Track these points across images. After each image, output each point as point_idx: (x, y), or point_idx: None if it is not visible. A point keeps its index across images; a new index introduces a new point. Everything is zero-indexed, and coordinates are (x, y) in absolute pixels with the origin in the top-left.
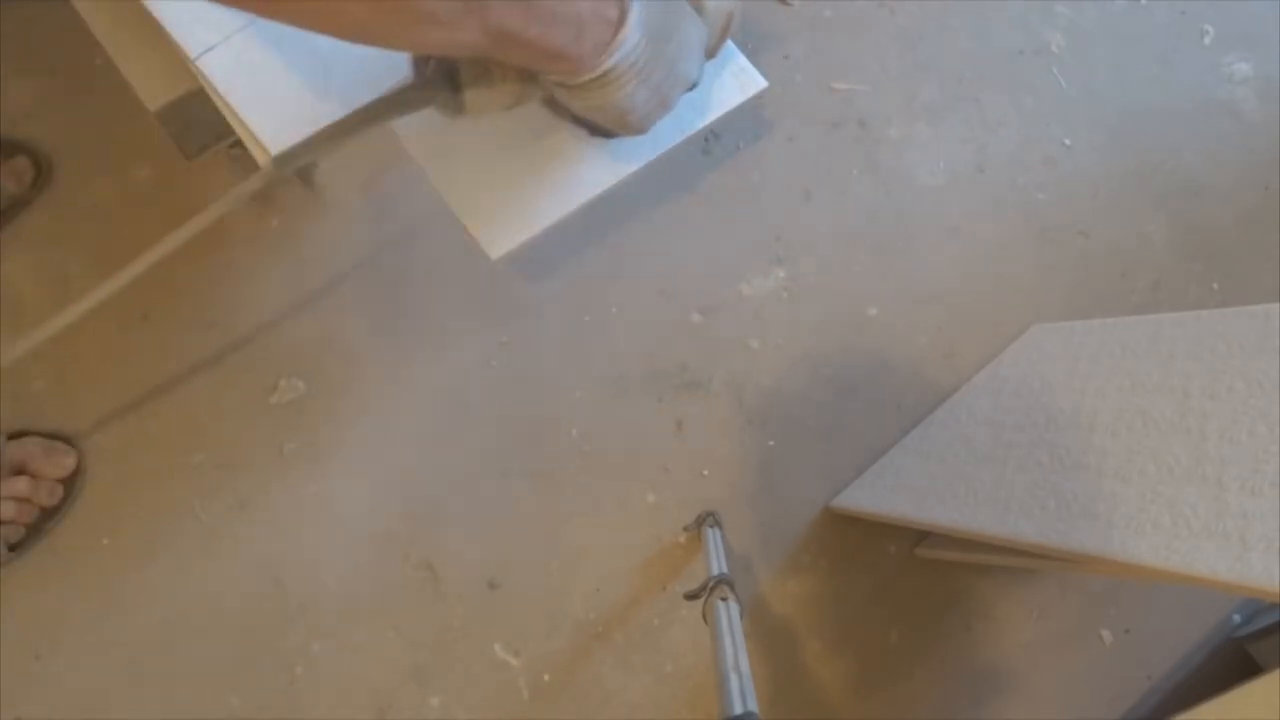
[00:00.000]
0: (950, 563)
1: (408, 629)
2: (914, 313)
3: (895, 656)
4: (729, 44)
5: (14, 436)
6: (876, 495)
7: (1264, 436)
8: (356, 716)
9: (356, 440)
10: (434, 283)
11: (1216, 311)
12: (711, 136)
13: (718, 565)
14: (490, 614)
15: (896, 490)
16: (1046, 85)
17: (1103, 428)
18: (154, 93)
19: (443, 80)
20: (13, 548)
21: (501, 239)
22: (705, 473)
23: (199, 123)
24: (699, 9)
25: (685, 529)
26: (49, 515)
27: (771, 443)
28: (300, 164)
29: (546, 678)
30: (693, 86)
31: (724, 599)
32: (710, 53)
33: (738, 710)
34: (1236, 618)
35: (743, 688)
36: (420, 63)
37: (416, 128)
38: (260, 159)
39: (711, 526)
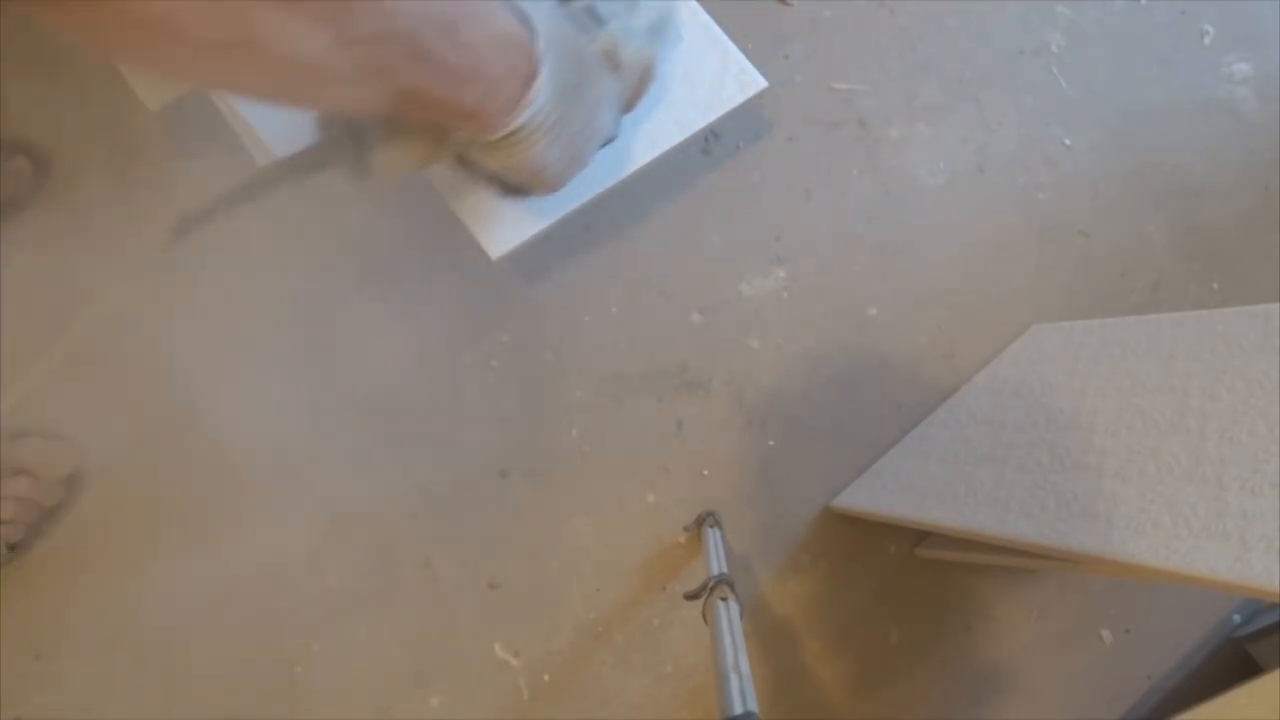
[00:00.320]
0: (950, 563)
1: (408, 629)
2: (914, 313)
3: (895, 656)
4: (729, 44)
5: (14, 436)
6: (876, 495)
7: (1264, 436)
8: (356, 716)
9: (357, 439)
10: (433, 282)
11: (1216, 311)
12: (711, 136)
13: (718, 565)
14: (490, 614)
15: (896, 490)
16: (1046, 85)
17: (1103, 428)
18: (154, 93)
19: (349, 140)
20: (13, 548)
21: (501, 239)
22: (705, 473)
23: (199, 123)
24: (614, 63)
25: (685, 529)
26: (49, 515)
27: (771, 443)
28: (199, 228)
29: (546, 678)
30: (609, 141)
31: (724, 599)
32: (628, 106)
33: (738, 710)
34: (1236, 618)
35: (743, 688)
36: (326, 121)
37: None
38: (260, 159)
39: (711, 526)
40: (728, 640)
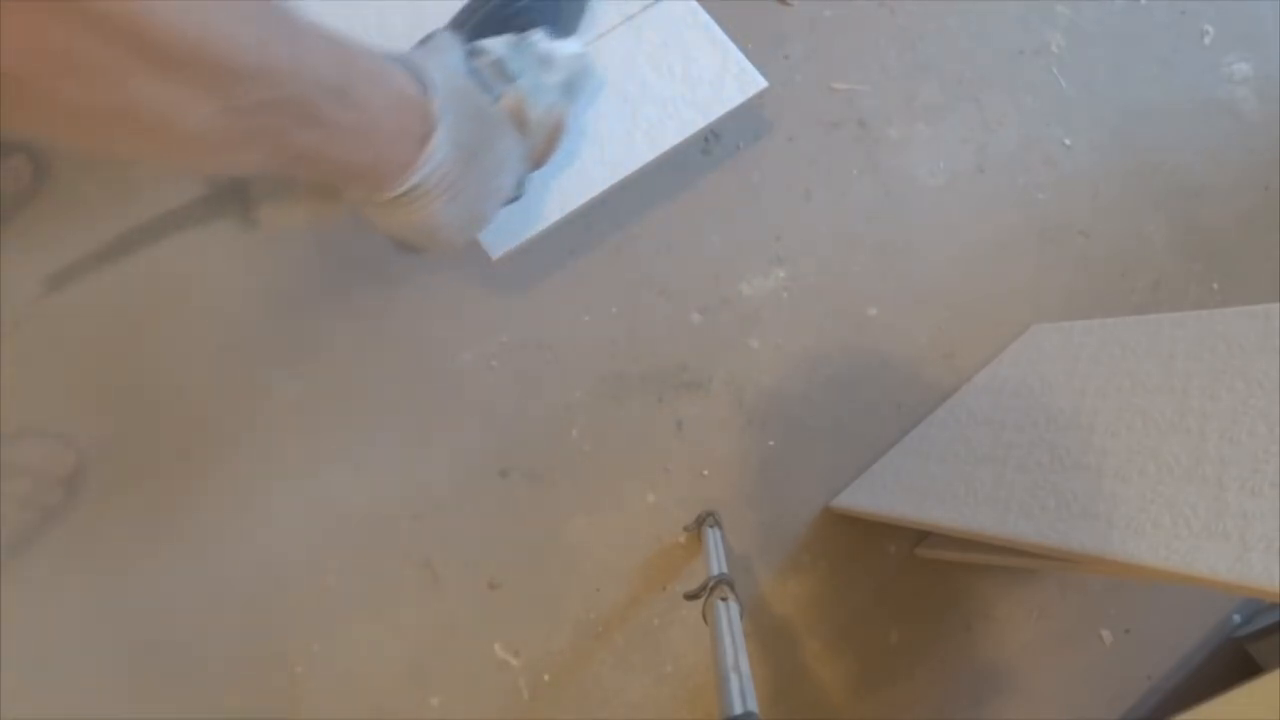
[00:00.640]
0: (950, 563)
1: (408, 629)
2: (914, 313)
3: (895, 656)
4: (729, 44)
5: (14, 436)
6: (876, 495)
7: (1264, 436)
8: (356, 716)
9: (357, 440)
10: (433, 282)
11: (1216, 311)
12: (711, 136)
13: (718, 565)
14: (490, 614)
15: (896, 490)
16: (1046, 85)
17: (1103, 428)
18: None
19: (233, 195)
20: (13, 548)
21: (502, 239)
22: (705, 473)
23: None
24: (521, 121)
25: (685, 529)
26: (49, 515)
27: (771, 443)
28: (77, 279)
29: (546, 678)
30: (514, 199)
31: (724, 599)
32: (537, 163)
33: (738, 710)
34: (1236, 618)
35: (743, 688)
36: (212, 175)
37: None
38: None
39: (711, 526)
40: (728, 640)
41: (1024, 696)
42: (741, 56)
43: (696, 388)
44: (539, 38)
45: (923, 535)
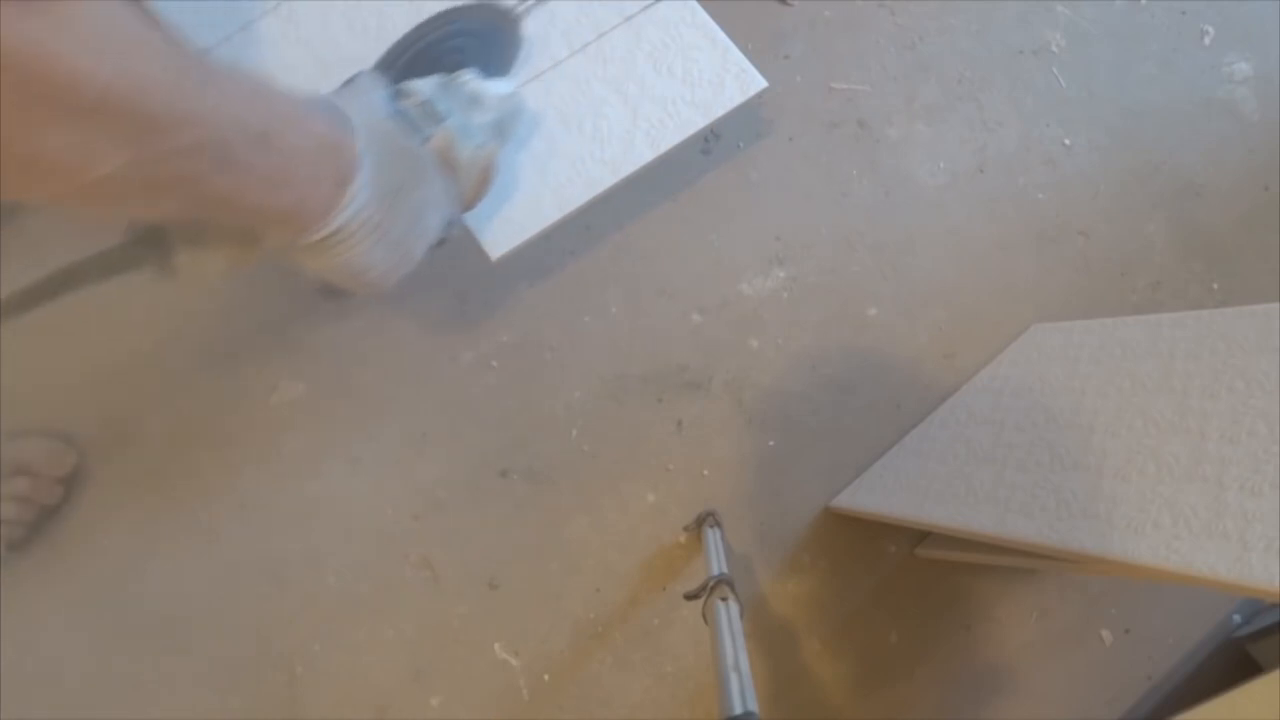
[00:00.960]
0: (950, 563)
1: (408, 629)
2: (914, 313)
3: (895, 656)
4: (729, 43)
5: (14, 436)
6: (876, 495)
7: (1264, 436)
8: (356, 716)
9: (357, 440)
10: (434, 282)
11: (1216, 311)
12: (711, 136)
13: (718, 565)
14: (490, 614)
15: (896, 490)
16: (1046, 85)
17: (1103, 428)
18: None
19: (151, 241)
20: (13, 548)
21: (502, 239)
22: (705, 473)
23: None
24: (449, 162)
25: (685, 529)
26: (49, 515)
27: (771, 443)
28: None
29: (546, 678)
30: (443, 241)
31: (724, 599)
32: (467, 204)
33: (738, 710)
34: (1236, 618)
35: (743, 687)
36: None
37: None
38: None
39: (711, 526)
40: (728, 640)
41: (1024, 696)
42: (741, 56)
43: (696, 388)
44: (469, 77)
45: (922, 535)
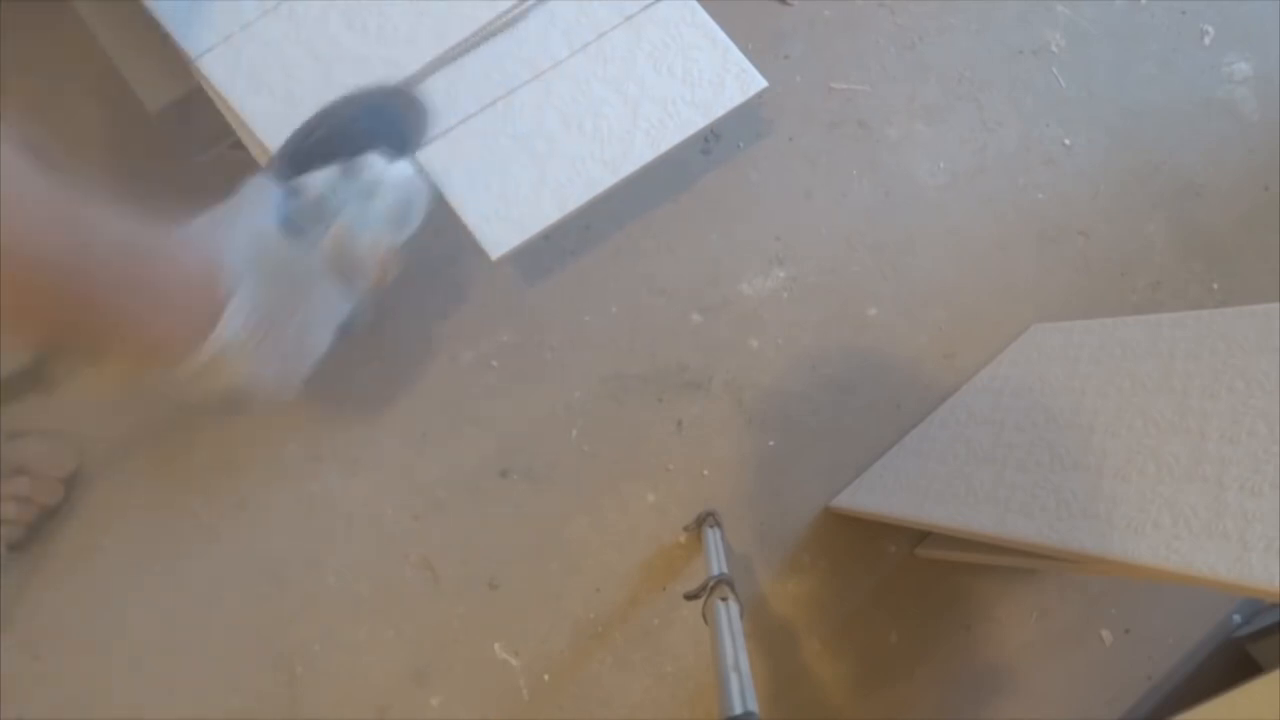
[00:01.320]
0: (950, 563)
1: (408, 629)
2: (914, 313)
3: (895, 656)
4: (730, 44)
5: (14, 436)
6: (876, 495)
7: (1264, 436)
8: (356, 716)
9: (356, 440)
10: (433, 282)
11: (1216, 311)
12: (711, 136)
13: (718, 565)
14: (490, 614)
15: (896, 490)
16: (1046, 85)
17: (1103, 428)
18: (154, 93)
19: (28, 370)
20: (13, 548)
21: (502, 239)
22: (705, 473)
23: (199, 123)
24: (342, 262)
25: (685, 529)
26: (49, 515)
27: (771, 443)
28: None
29: (546, 678)
30: (349, 331)
31: (724, 599)
32: (375, 288)
33: (738, 710)
34: (1236, 618)
35: (743, 687)
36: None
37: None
38: (260, 159)
39: (711, 526)
40: (728, 640)
41: (1024, 696)
42: (741, 56)
43: (696, 388)
44: (371, 161)
45: (922, 535)
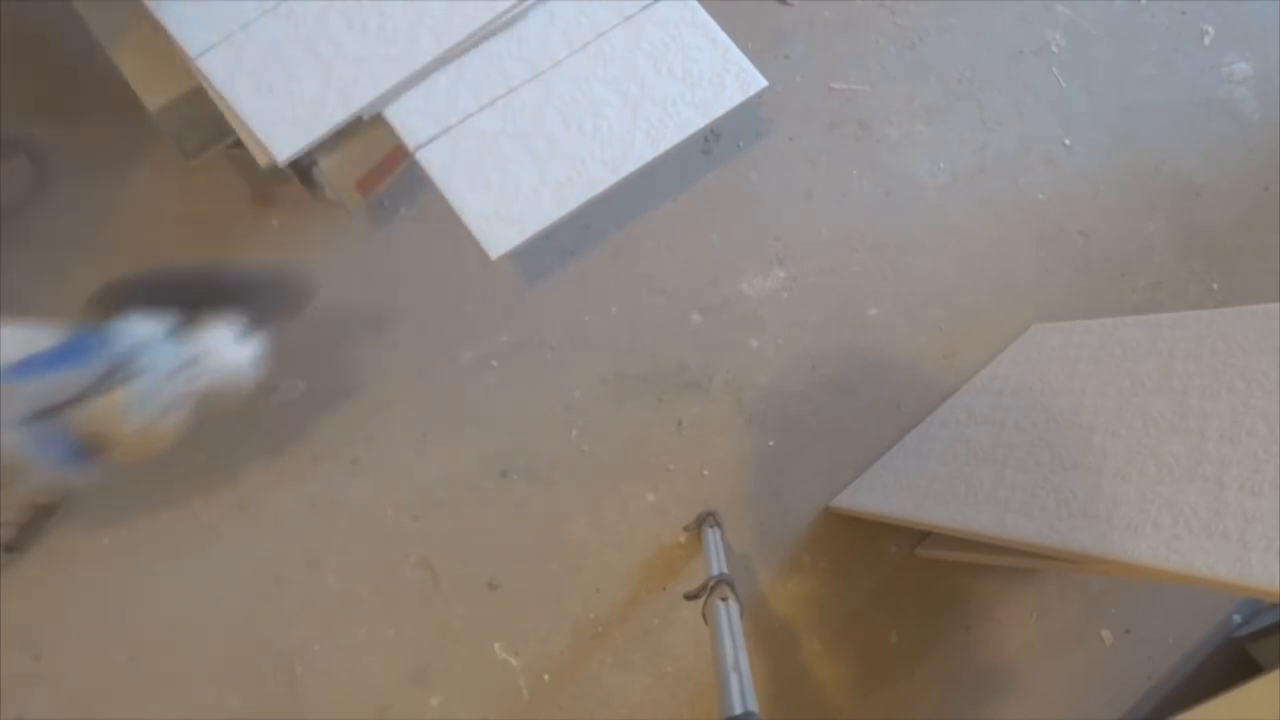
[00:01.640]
0: (950, 563)
1: (408, 629)
2: (914, 313)
3: (895, 656)
4: (730, 44)
5: None
6: (876, 495)
7: (1264, 436)
8: (356, 716)
9: (357, 440)
10: (434, 283)
11: (1216, 311)
12: (711, 136)
13: (718, 565)
14: (490, 614)
15: (896, 490)
16: (1046, 85)
17: (1103, 428)
18: (154, 93)
19: None
20: (11, 548)
21: (502, 239)
22: (705, 473)
23: (199, 122)
24: (96, 438)
25: (685, 529)
26: (48, 515)
27: (771, 443)
28: None
29: (546, 678)
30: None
31: (724, 599)
32: (201, 410)
33: (738, 710)
34: (1236, 618)
35: (743, 688)
36: None
37: (415, 126)
38: (260, 159)
39: (711, 526)
40: (728, 640)
41: (1024, 696)
42: (741, 56)
43: (696, 388)
44: (210, 334)
45: (922, 535)
